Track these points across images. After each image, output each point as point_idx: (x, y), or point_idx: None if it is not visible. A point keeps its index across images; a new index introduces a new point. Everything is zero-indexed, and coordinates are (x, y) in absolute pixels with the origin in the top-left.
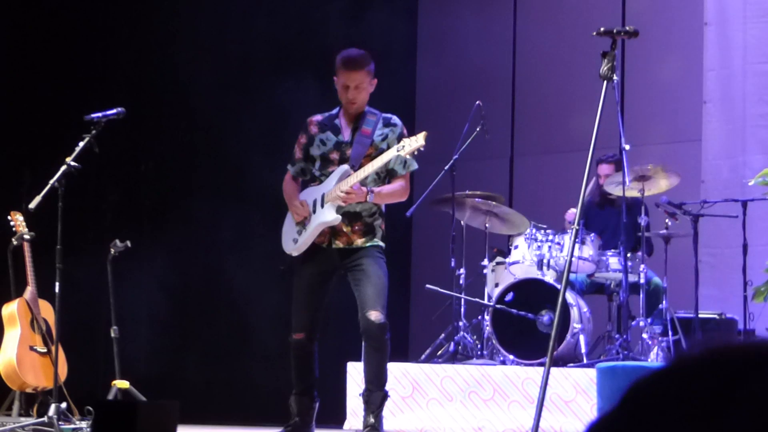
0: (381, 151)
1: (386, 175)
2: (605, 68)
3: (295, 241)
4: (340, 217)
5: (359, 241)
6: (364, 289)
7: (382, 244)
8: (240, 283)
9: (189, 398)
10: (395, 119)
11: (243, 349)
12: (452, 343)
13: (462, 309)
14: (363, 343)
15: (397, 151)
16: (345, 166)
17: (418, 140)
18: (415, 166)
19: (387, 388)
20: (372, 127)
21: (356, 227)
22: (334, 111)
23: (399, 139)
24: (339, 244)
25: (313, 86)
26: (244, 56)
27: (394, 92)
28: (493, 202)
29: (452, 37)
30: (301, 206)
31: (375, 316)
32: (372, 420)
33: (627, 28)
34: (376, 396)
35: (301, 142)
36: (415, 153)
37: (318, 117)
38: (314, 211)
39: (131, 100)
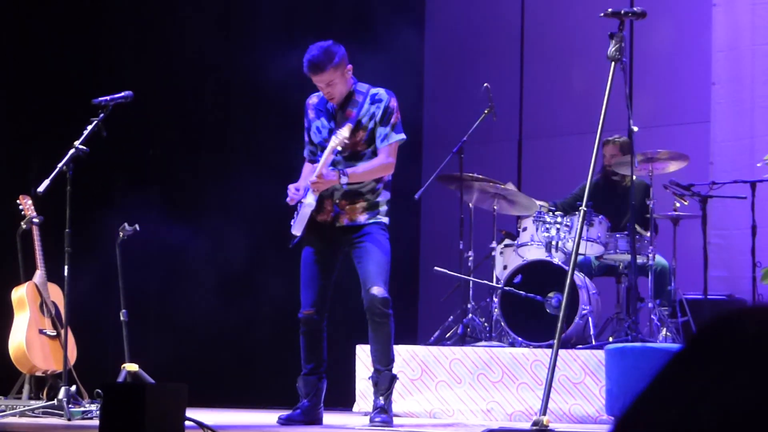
0: (370, 131)
1: (374, 146)
2: (613, 49)
3: (293, 222)
4: (314, 203)
5: (362, 218)
6: (365, 266)
7: (385, 220)
8: (249, 265)
9: (198, 381)
10: (381, 94)
11: (252, 332)
12: (461, 326)
13: (470, 291)
14: (368, 322)
15: (336, 145)
16: (334, 143)
17: (343, 132)
18: (395, 138)
19: (396, 371)
20: (357, 108)
21: (358, 204)
22: None
23: (386, 113)
24: (342, 222)
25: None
26: (254, 38)
27: (401, 76)
28: (501, 185)
29: (460, 20)
30: (294, 191)
31: (376, 290)
32: (381, 401)
33: (635, 10)
34: (384, 377)
35: (305, 127)
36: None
37: (314, 98)
38: (304, 195)
39: (140, 84)
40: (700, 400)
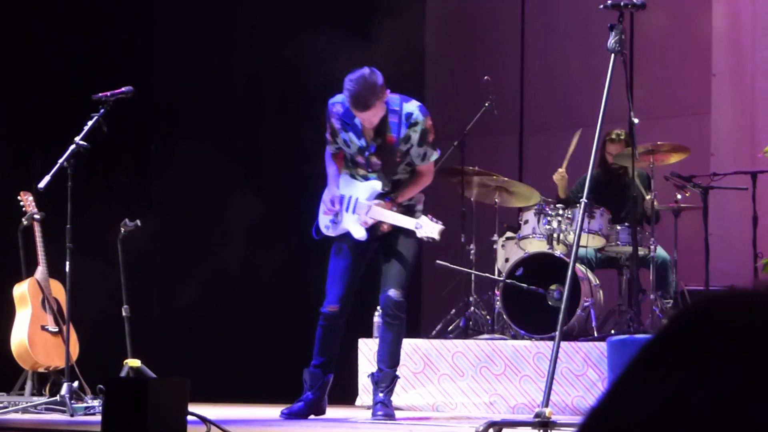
0: (405, 152)
1: (411, 163)
2: (613, 41)
3: (326, 228)
4: (366, 235)
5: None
6: (388, 267)
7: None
8: (251, 261)
9: (200, 376)
10: (416, 115)
11: (254, 327)
12: (463, 319)
13: (472, 284)
14: (381, 322)
15: (415, 228)
16: (378, 187)
17: (433, 232)
18: (435, 157)
19: (402, 363)
20: (396, 132)
21: (396, 210)
22: None
23: (422, 135)
24: (381, 229)
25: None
26: (255, 31)
27: (402, 69)
28: (505, 178)
29: (461, 12)
30: (331, 205)
31: (393, 293)
32: (381, 396)
33: (634, 1)
34: (386, 376)
35: (328, 129)
36: (427, 239)
37: (338, 107)
38: (346, 209)
39: (141, 79)
40: (684, 386)
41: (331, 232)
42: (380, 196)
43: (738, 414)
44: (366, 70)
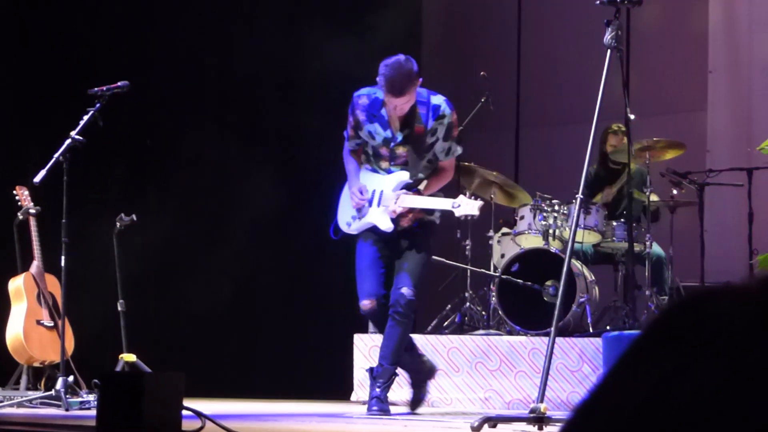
0: (430, 145)
1: (434, 158)
2: (609, 37)
3: (348, 224)
4: (392, 226)
5: (420, 217)
6: (402, 266)
7: (436, 220)
8: (246, 255)
9: (196, 371)
10: (443, 107)
11: (249, 322)
12: (458, 314)
13: (468, 280)
14: (389, 318)
15: (452, 207)
16: (405, 177)
17: (472, 208)
18: (458, 152)
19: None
20: (423, 123)
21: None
22: (380, 95)
23: (449, 129)
24: (403, 225)
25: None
26: (252, 26)
27: None
28: (496, 173)
29: (458, 8)
30: (360, 194)
31: (405, 290)
32: (378, 391)
33: None
34: (385, 372)
35: (350, 123)
36: (468, 218)
37: (364, 99)
38: (370, 203)
39: (136, 74)
40: (668, 378)
41: (353, 228)
42: (406, 188)
43: (718, 407)
44: (402, 57)
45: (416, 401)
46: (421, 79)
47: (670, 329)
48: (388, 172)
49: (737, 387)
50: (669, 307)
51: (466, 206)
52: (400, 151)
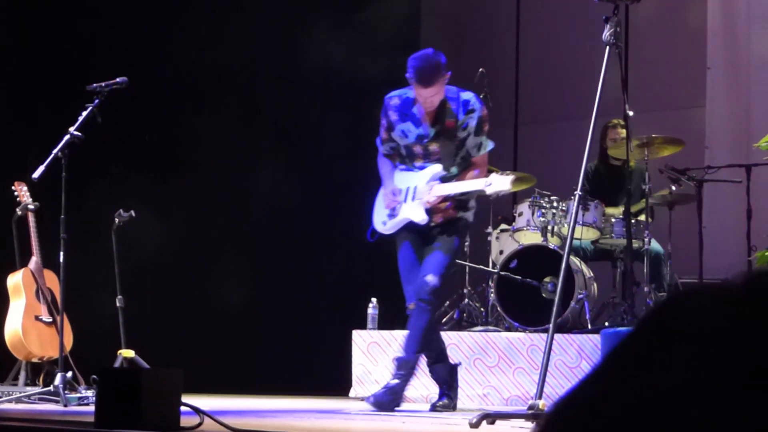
0: (462, 141)
1: (466, 155)
2: (608, 34)
3: (384, 223)
4: (427, 218)
5: (452, 215)
6: (431, 257)
7: (469, 217)
8: (245, 251)
9: (194, 367)
10: (473, 102)
11: (248, 318)
12: (457, 311)
13: (467, 276)
14: (414, 308)
15: (485, 186)
16: (439, 169)
17: (505, 184)
18: (490, 146)
19: (392, 356)
20: (454, 118)
21: (448, 204)
22: (411, 94)
23: (480, 123)
24: (437, 220)
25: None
26: (250, 21)
27: (397, 60)
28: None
29: (457, 5)
30: (392, 196)
31: (429, 278)
32: (393, 383)
33: None
34: (405, 363)
35: (383, 125)
36: (497, 194)
37: (395, 99)
38: (405, 200)
39: (135, 70)
40: (633, 379)
41: (388, 227)
42: (441, 181)
43: (690, 406)
44: (430, 50)
45: (445, 407)
46: (449, 73)
47: (652, 328)
48: (421, 168)
49: (711, 386)
50: (654, 306)
51: (498, 183)
52: (433, 147)
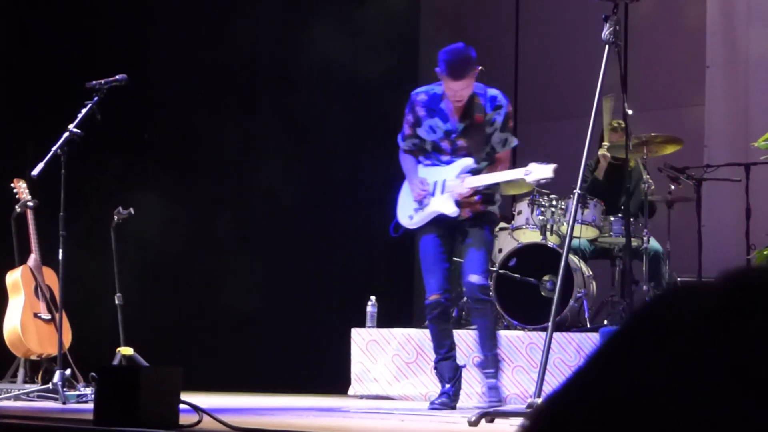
0: (488, 136)
1: (491, 150)
2: (607, 32)
3: (410, 217)
4: (458, 210)
5: (480, 209)
6: (468, 256)
7: (496, 210)
8: (244, 250)
9: (193, 364)
10: (500, 98)
11: (247, 316)
12: (456, 309)
13: None
14: (471, 311)
15: (524, 174)
16: (469, 162)
17: (546, 172)
18: (514, 143)
19: (391, 354)
20: (482, 112)
21: (477, 198)
22: (438, 90)
23: (506, 120)
24: (465, 215)
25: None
26: (249, 19)
27: (396, 58)
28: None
29: (456, 2)
30: (421, 185)
31: (475, 278)
32: (492, 381)
33: None
34: (490, 360)
35: (409, 121)
36: (537, 182)
37: (422, 95)
38: (433, 193)
39: (135, 68)
40: (613, 376)
41: (415, 221)
42: (471, 174)
43: (654, 403)
44: (461, 44)
45: (444, 405)
46: (479, 68)
47: (637, 326)
48: (449, 163)
49: (695, 381)
50: (640, 305)
51: (538, 171)
52: (461, 142)
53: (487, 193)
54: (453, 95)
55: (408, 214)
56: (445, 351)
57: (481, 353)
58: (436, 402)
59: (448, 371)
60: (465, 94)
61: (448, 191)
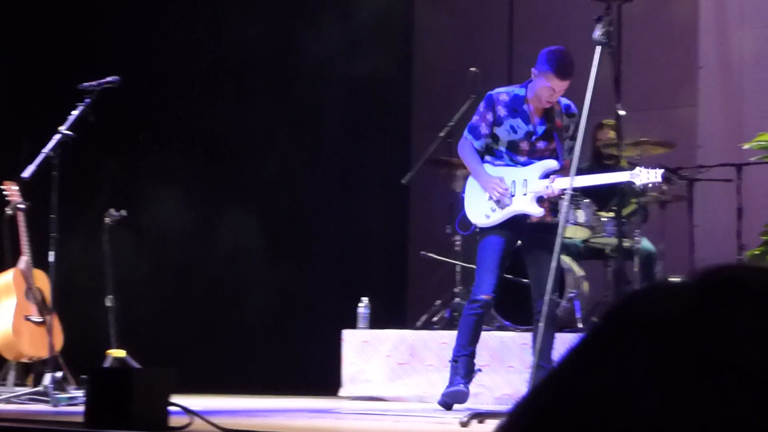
0: (563, 140)
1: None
2: (599, 33)
3: (487, 216)
4: (543, 211)
5: (548, 218)
6: (541, 271)
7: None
8: (237, 252)
9: (185, 367)
10: (573, 107)
11: (239, 318)
12: (448, 310)
13: (458, 275)
14: (536, 321)
15: (631, 177)
16: (554, 164)
17: (656, 176)
18: (576, 153)
19: (385, 355)
20: (561, 118)
21: (546, 205)
22: (520, 92)
23: (577, 128)
24: (532, 220)
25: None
26: (244, 19)
27: (391, 59)
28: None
29: (450, 3)
30: (500, 182)
31: (555, 297)
32: None
33: None
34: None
35: (488, 119)
36: (644, 186)
37: (504, 96)
38: (513, 192)
39: (129, 68)
40: (583, 376)
41: (492, 220)
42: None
43: (623, 402)
44: (562, 47)
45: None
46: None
47: (607, 325)
48: (525, 164)
49: (664, 378)
50: (610, 305)
51: (647, 174)
52: (540, 144)
53: (554, 202)
54: (550, 96)
55: (484, 212)
56: (472, 349)
57: (540, 364)
58: (458, 393)
59: (468, 369)
60: (560, 96)
61: (531, 191)
